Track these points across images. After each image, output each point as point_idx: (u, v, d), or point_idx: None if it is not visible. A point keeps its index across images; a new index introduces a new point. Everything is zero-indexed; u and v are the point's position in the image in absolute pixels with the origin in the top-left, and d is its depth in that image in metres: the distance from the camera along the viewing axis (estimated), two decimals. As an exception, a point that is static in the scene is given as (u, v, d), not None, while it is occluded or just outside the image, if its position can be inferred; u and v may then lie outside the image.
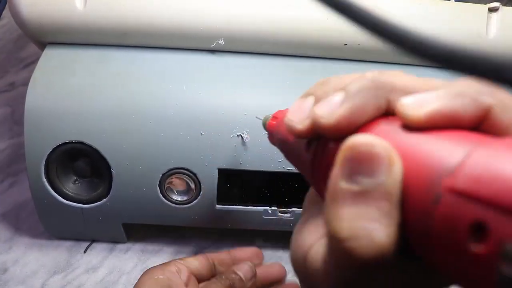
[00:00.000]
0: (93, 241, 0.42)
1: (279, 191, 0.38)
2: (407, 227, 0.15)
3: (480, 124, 0.16)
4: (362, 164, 0.15)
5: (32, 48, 0.43)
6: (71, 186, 0.37)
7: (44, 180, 0.35)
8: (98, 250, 0.42)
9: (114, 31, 0.37)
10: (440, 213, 0.13)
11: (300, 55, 0.40)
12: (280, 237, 0.43)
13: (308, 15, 0.36)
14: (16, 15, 0.36)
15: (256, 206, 0.38)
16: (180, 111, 0.35)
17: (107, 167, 0.35)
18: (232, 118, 0.36)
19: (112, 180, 0.36)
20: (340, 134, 0.17)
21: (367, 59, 0.40)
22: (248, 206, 0.38)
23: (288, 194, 0.38)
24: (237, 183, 0.38)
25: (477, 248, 0.12)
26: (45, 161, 0.35)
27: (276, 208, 0.38)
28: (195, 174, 0.36)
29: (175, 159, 0.35)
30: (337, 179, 0.15)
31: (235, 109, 0.36)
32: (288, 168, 0.36)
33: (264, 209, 0.38)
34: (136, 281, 0.40)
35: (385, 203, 0.14)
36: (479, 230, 0.12)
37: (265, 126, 0.29)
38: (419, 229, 0.14)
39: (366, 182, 0.15)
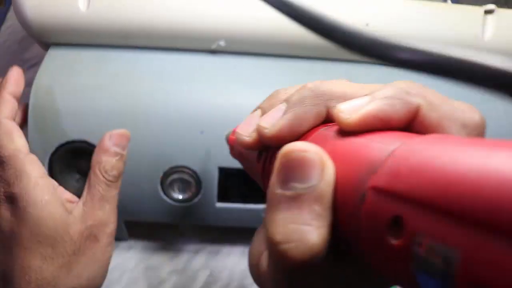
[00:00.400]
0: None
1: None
2: (339, 227, 0.15)
3: (411, 124, 0.17)
4: (294, 169, 0.15)
5: (37, 49, 0.43)
6: (74, 184, 0.38)
7: (48, 178, 0.36)
8: (101, 248, 0.42)
9: (117, 33, 0.37)
10: (365, 211, 0.14)
11: (301, 56, 0.40)
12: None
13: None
14: (20, 16, 0.37)
15: (256, 205, 0.38)
16: (182, 111, 0.36)
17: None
18: (233, 117, 0.36)
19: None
20: (283, 143, 0.18)
21: (366, 61, 0.40)
22: (248, 204, 0.38)
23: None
24: (237, 182, 0.38)
25: (395, 241, 0.12)
26: (49, 160, 0.36)
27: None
28: (196, 173, 0.36)
29: (176, 158, 0.36)
30: (273, 185, 0.16)
31: (235, 109, 0.37)
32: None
33: (264, 208, 0.38)
34: (138, 279, 0.41)
35: (317, 205, 0.15)
36: (397, 224, 0.13)
37: (227, 140, 0.29)
38: (349, 229, 0.15)
39: (298, 187, 0.15)
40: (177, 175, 0.37)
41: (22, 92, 0.35)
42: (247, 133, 0.21)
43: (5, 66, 0.48)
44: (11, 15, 0.52)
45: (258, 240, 0.20)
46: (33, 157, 0.31)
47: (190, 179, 0.37)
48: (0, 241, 0.30)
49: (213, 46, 0.38)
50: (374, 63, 0.41)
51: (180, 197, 0.37)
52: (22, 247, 0.29)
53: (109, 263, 0.32)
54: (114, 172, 0.32)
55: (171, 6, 0.36)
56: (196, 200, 0.37)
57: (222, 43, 0.38)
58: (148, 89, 0.37)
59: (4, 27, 0.51)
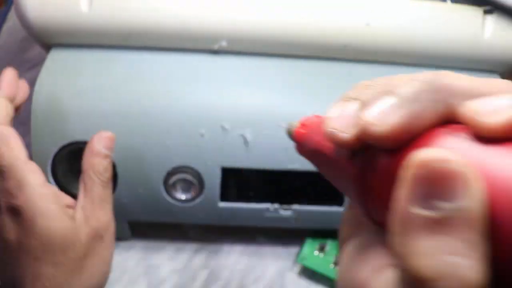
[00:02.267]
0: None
1: (281, 189, 0.39)
2: (501, 259, 0.12)
3: None
4: (438, 185, 0.12)
5: (38, 49, 0.43)
6: (77, 185, 0.38)
7: (51, 179, 0.36)
8: (103, 248, 0.42)
9: (119, 33, 0.37)
10: None
11: (302, 56, 0.40)
12: (280, 234, 0.44)
13: (311, 16, 0.37)
14: (21, 17, 0.37)
15: (259, 204, 0.38)
16: (184, 111, 0.36)
17: (112, 165, 0.36)
18: (235, 117, 0.36)
19: (117, 179, 0.36)
20: (395, 144, 0.15)
21: (367, 60, 0.40)
22: (251, 203, 0.38)
23: (290, 192, 0.39)
24: (240, 181, 0.38)
25: None
26: (52, 161, 0.36)
27: (278, 206, 0.39)
28: (198, 173, 0.37)
29: (179, 158, 0.36)
30: (408, 203, 0.13)
31: (238, 109, 0.37)
32: (290, 167, 0.37)
33: (267, 207, 0.38)
34: (138, 278, 0.41)
35: (471, 232, 0.12)
36: None
37: (291, 134, 0.24)
38: None
39: (446, 207, 0.12)
40: (180, 175, 0.37)
41: (17, 92, 0.35)
42: (342, 128, 0.17)
43: (6, 66, 0.47)
44: (11, 16, 0.51)
45: (359, 264, 0.16)
46: (33, 165, 0.31)
47: (193, 179, 0.37)
48: (7, 251, 0.30)
49: (215, 47, 0.38)
50: (375, 63, 0.41)
51: (183, 197, 0.37)
52: (32, 257, 0.29)
53: (112, 259, 0.33)
54: (107, 174, 0.32)
55: (173, 6, 0.37)
56: (199, 200, 0.37)
57: (224, 43, 0.38)
58: (150, 89, 0.37)
59: (5, 27, 0.51)
